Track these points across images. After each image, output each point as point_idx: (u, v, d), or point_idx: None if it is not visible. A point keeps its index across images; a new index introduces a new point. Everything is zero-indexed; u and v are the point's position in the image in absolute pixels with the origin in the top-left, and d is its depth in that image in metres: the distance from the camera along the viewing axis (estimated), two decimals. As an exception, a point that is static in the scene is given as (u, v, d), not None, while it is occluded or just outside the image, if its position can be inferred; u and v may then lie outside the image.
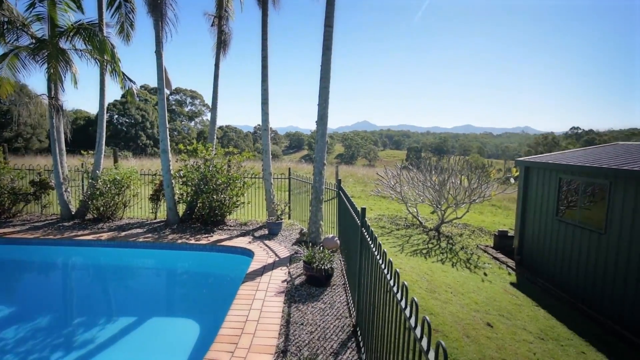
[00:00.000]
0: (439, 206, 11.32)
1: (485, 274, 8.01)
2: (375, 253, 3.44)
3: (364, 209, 4.51)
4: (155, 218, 10.38)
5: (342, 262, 7.01)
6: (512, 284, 7.73)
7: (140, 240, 8.33)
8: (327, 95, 7.83)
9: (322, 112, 7.84)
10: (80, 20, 8.99)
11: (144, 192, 11.11)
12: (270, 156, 9.66)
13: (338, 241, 7.52)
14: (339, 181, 7.55)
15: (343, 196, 6.73)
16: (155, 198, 10.27)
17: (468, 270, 8.10)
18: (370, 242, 3.76)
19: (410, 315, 2.17)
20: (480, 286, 7.16)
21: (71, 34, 8.84)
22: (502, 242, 10.14)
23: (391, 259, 2.86)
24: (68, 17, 9.24)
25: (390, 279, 2.81)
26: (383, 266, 3.10)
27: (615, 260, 6.73)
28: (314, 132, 8.36)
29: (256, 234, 8.99)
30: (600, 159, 8.06)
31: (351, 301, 5.42)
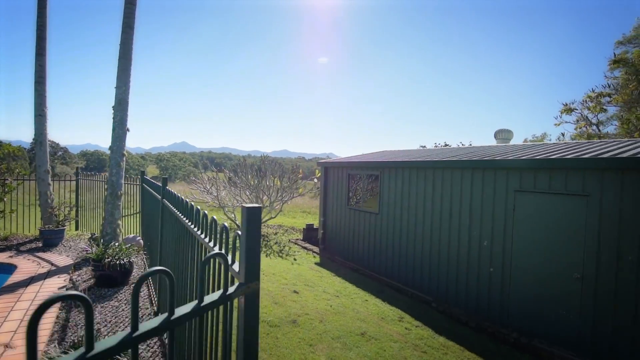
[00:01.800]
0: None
1: (295, 259, 8.74)
2: (182, 216, 3.05)
3: (165, 179, 4.18)
4: None
5: (146, 260, 6.24)
6: (316, 263, 8.71)
7: None
8: (127, 77, 7.01)
9: (121, 97, 6.95)
10: None
11: None
12: (48, 150, 7.72)
13: (141, 240, 6.66)
14: (142, 172, 6.76)
15: (147, 185, 6.06)
16: None
17: (280, 258, 8.64)
18: (174, 209, 3.35)
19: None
20: (290, 268, 7.74)
21: None
22: (309, 234, 11.36)
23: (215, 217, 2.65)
24: None
25: (202, 232, 2.48)
26: (193, 226, 2.68)
27: (386, 233, 8.60)
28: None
29: (23, 248, 6.92)
30: (374, 159, 10.28)
31: (154, 293, 4.85)
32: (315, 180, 12.42)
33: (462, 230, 6.80)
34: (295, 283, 6.43)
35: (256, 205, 1.36)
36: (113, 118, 6.93)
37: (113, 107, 6.96)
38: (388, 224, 8.60)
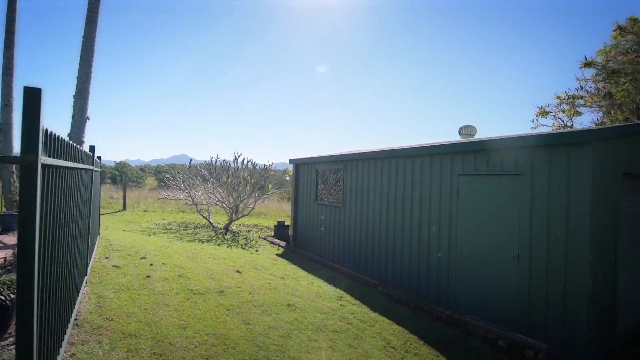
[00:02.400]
0: (229, 205, 11.84)
1: (256, 250, 8.81)
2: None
3: (92, 146, 4.36)
4: None
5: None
6: (277, 254, 8.79)
7: None
8: (89, 68, 7.28)
9: (82, 86, 7.21)
10: None
11: None
12: (14, 138, 7.94)
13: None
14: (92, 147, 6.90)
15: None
16: None
17: (242, 249, 8.72)
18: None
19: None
20: (247, 256, 7.82)
21: None
22: (280, 231, 11.43)
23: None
24: None
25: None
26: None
27: (348, 224, 8.70)
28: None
29: (-19, 232, 7.05)
30: (339, 154, 10.45)
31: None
32: (288, 177, 12.57)
33: (414, 217, 6.90)
34: (243, 266, 6.51)
35: (36, 87, 1.51)
36: (73, 106, 7.16)
37: (74, 96, 7.20)
38: (350, 216, 8.71)
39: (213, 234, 10.74)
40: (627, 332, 5.22)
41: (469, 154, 6.04)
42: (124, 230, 9.51)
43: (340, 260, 8.52)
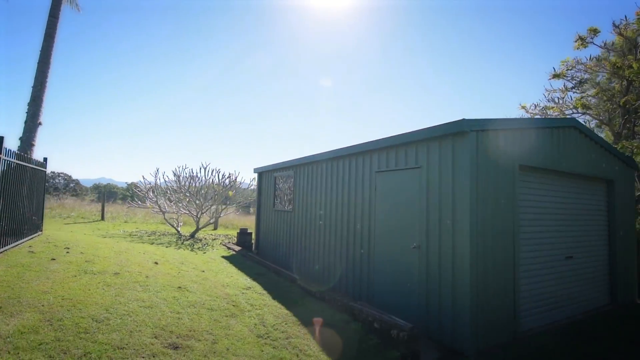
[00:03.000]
0: (195, 214, 12.19)
1: (204, 252, 9.03)
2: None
3: (1, 137, 4.78)
4: None
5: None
6: (223, 256, 8.98)
7: None
8: (44, 78, 7.92)
9: (36, 94, 7.82)
10: None
11: None
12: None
13: (35, 218, 7.18)
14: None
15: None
16: None
17: (190, 251, 8.96)
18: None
19: None
20: (187, 255, 8.05)
21: None
22: (242, 238, 11.64)
23: None
24: None
25: None
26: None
27: (295, 228, 8.91)
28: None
29: None
30: (290, 160, 10.75)
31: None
32: (253, 187, 12.90)
33: (344, 217, 7.09)
34: (169, 260, 6.74)
35: None
36: (27, 112, 7.75)
37: (28, 103, 7.80)
38: (298, 220, 8.92)
39: (175, 240, 11.02)
40: (532, 330, 5.16)
41: (383, 151, 6.29)
42: (84, 234, 9.89)
43: (288, 264, 8.66)
